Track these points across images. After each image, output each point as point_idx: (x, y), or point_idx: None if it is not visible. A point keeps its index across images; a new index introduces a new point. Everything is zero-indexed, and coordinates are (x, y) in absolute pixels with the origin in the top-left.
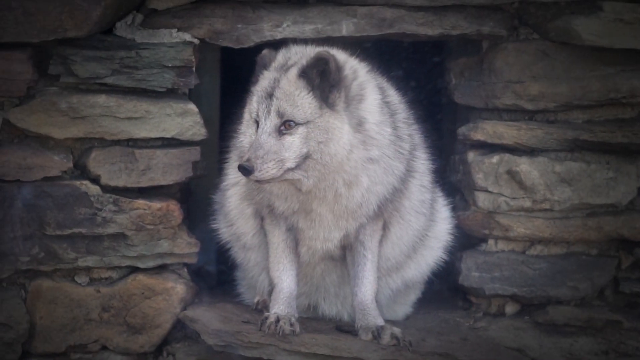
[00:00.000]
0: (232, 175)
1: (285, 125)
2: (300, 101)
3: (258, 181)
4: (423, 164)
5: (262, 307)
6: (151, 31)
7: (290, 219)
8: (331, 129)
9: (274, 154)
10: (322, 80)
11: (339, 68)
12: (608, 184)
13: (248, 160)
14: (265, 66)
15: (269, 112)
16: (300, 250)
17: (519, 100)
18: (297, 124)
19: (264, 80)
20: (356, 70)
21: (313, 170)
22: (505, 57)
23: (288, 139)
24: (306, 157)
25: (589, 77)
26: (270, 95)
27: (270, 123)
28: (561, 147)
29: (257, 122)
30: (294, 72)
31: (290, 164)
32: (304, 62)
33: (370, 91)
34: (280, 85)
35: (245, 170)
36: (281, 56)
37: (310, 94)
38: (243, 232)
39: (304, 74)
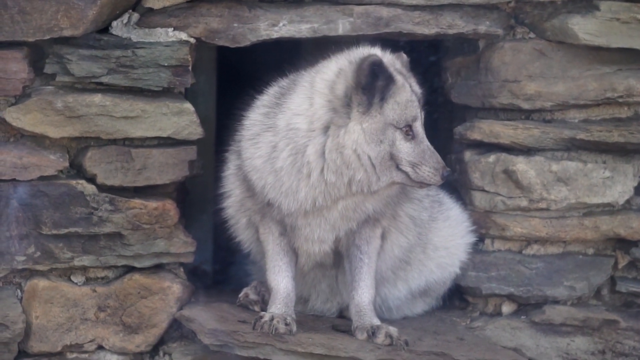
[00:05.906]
0: (228, 186)
1: None
2: None
3: None
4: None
5: (245, 302)
6: (147, 30)
7: (287, 220)
8: None
9: None
10: None
11: None
12: (604, 184)
13: (445, 167)
14: (399, 71)
15: (422, 119)
16: (297, 254)
17: (515, 100)
18: None
19: (406, 86)
20: None
21: None
22: (501, 57)
23: None
24: None
25: (586, 76)
26: (419, 102)
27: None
28: (558, 147)
29: (406, 127)
30: (413, 79)
31: None
32: (406, 70)
33: None
34: (418, 90)
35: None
36: (390, 60)
37: None
38: (243, 240)
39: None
